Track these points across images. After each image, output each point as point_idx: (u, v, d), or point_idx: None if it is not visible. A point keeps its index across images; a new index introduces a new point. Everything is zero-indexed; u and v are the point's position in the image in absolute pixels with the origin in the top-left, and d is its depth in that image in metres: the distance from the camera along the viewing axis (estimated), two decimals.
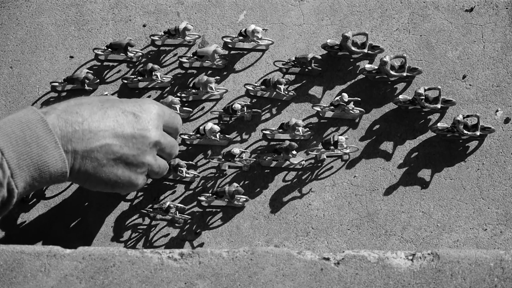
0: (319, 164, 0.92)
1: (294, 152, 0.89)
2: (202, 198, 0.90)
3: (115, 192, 0.69)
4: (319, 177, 0.92)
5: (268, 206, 0.91)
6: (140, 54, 0.96)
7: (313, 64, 0.93)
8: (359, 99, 0.91)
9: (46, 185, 0.63)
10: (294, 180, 0.92)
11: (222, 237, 0.90)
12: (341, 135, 0.91)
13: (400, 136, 0.93)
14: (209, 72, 0.96)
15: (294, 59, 0.93)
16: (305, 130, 0.91)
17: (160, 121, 0.61)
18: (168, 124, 0.64)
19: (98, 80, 0.97)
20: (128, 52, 0.94)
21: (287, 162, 0.92)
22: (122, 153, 0.57)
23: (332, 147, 0.88)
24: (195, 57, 0.94)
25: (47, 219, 0.92)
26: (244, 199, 0.89)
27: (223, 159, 0.91)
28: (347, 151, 0.89)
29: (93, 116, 0.55)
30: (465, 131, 0.88)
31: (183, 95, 0.94)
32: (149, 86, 0.96)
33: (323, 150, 0.89)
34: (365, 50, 0.93)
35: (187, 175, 0.89)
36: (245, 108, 0.91)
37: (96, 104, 0.58)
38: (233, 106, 0.91)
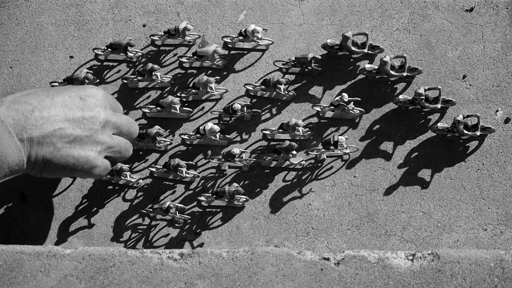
0: (319, 164, 0.92)
1: (294, 152, 0.89)
2: (202, 198, 0.90)
3: (75, 176, 0.69)
4: (319, 177, 0.92)
5: (268, 206, 0.91)
6: (140, 54, 0.96)
7: (313, 64, 0.93)
8: (359, 99, 0.91)
9: (5, 178, 0.62)
10: (294, 180, 0.92)
11: (222, 237, 0.90)
12: (341, 135, 0.91)
13: (400, 136, 0.93)
14: (209, 72, 0.96)
15: (294, 59, 0.93)
16: (305, 130, 0.91)
17: (106, 103, 0.63)
18: (115, 107, 0.66)
19: (98, 80, 0.97)
20: (128, 52, 0.94)
21: (287, 162, 0.92)
22: (76, 135, 0.58)
23: (332, 147, 0.88)
24: (195, 57, 0.94)
25: (47, 219, 0.91)
26: (244, 199, 0.89)
27: (223, 159, 0.91)
28: (347, 151, 0.89)
29: (42, 103, 0.57)
30: (465, 131, 0.88)
31: (183, 95, 0.94)
32: (149, 86, 0.96)
33: (323, 150, 0.89)
34: (365, 50, 0.93)
35: (187, 175, 0.89)
36: (245, 108, 0.91)
37: (42, 92, 0.60)
38: (233, 106, 0.91)
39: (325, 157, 0.91)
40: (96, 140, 0.60)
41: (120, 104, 0.72)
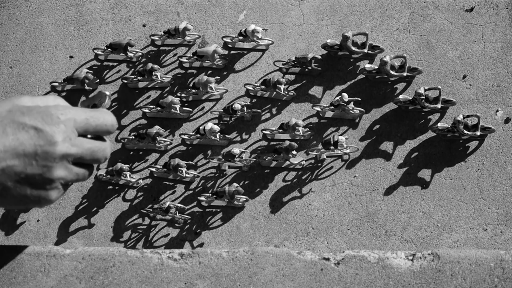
0: (319, 164, 0.92)
1: (294, 152, 0.89)
2: (202, 198, 0.90)
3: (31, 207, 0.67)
4: (319, 177, 0.92)
5: (268, 206, 0.91)
6: (140, 54, 0.96)
7: (313, 64, 0.93)
8: (359, 99, 0.91)
9: None
10: (294, 180, 0.92)
11: (222, 237, 0.90)
12: (341, 135, 0.91)
13: (400, 136, 0.93)
14: (209, 72, 0.96)
15: (294, 59, 0.93)
16: (305, 130, 0.91)
17: (69, 131, 0.55)
18: (86, 129, 0.57)
19: (98, 80, 0.97)
20: (128, 52, 0.94)
21: (287, 162, 0.92)
22: (26, 173, 0.53)
23: (332, 147, 0.88)
24: (195, 57, 0.94)
25: (47, 219, 0.91)
26: (244, 199, 0.89)
27: (223, 159, 0.91)
28: (347, 151, 0.89)
29: None
30: (466, 131, 0.88)
31: (183, 95, 0.94)
32: (149, 86, 0.96)
33: (323, 150, 0.89)
34: (365, 50, 0.93)
35: (187, 175, 0.89)
36: (245, 108, 0.91)
37: None
38: (233, 106, 0.90)
39: (325, 157, 0.91)
40: (49, 178, 0.55)
41: (104, 115, 0.62)
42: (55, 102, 0.55)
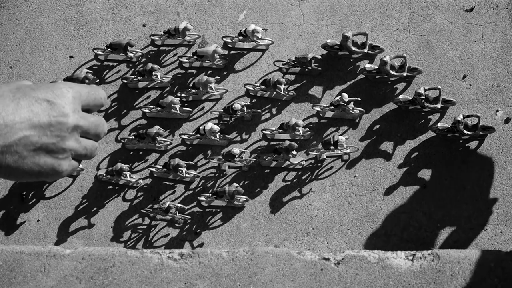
0: (319, 164, 0.92)
1: (294, 152, 0.89)
2: (202, 198, 0.90)
3: (41, 180, 0.68)
4: (319, 177, 0.92)
5: (268, 206, 0.91)
6: (140, 54, 0.96)
7: (313, 64, 0.93)
8: (359, 99, 0.91)
9: None
10: (294, 180, 0.92)
11: (222, 237, 0.90)
12: (341, 135, 0.91)
13: (400, 136, 0.93)
14: (209, 72, 0.96)
15: (294, 59, 0.93)
16: (305, 130, 0.91)
17: (77, 104, 0.59)
18: (88, 103, 0.61)
19: (98, 80, 0.97)
20: (128, 52, 0.94)
21: (287, 162, 0.92)
22: (41, 143, 0.56)
23: (332, 147, 0.88)
24: (195, 57, 0.94)
25: (47, 219, 0.91)
26: (244, 199, 0.89)
27: (223, 159, 0.91)
28: (347, 151, 0.89)
29: (6, 109, 0.55)
30: (466, 131, 0.88)
31: (183, 95, 0.94)
32: (149, 86, 0.96)
33: (323, 150, 0.89)
34: (365, 50, 0.93)
35: (187, 175, 0.89)
36: (245, 108, 0.91)
37: (8, 95, 0.57)
38: (233, 106, 0.90)
39: (325, 157, 0.91)
40: (63, 147, 0.58)
41: (100, 91, 0.66)
42: (55, 82, 0.57)
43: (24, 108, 0.54)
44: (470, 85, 0.94)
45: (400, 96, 0.91)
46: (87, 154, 0.63)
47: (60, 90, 0.57)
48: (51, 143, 0.56)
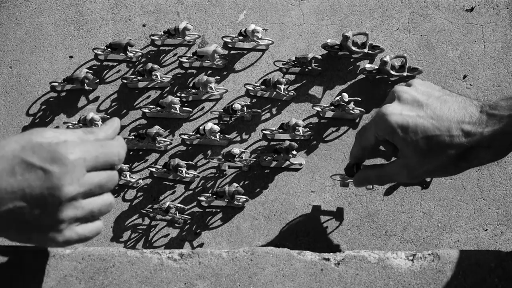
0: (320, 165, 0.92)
1: (294, 152, 0.89)
2: (202, 198, 0.90)
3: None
4: (319, 178, 0.91)
5: (268, 206, 0.91)
6: (140, 54, 0.96)
7: (313, 64, 0.93)
8: (360, 99, 0.91)
9: None
10: (294, 180, 0.92)
11: (222, 237, 0.90)
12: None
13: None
14: (209, 72, 0.96)
15: (294, 59, 0.93)
16: (305, 130, 0.91)
17: (79, 170, 0.53)
18: (95, 166, 0.53)
19: (98, 80, 0.97)
20: (127, 52, 0.94)
21: (287, 162, 0.91)
22: (33, 216, 0.51)
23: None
24: (195, 57, 0.94)
25: None
26: (244, 199, 0.89)
27: (223, 159, 0.91)
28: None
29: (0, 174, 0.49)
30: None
31: (183, 95, 0.94)
32: (149, 86, 0.96)
33: (347, 176, 0.87)
34: (366, 50, 0.93)
35: (187, 175, 0.89)
36: (245, 108, 0.91)
37: (7, 157, 0.51)
38: (233, 106, 0.90)
39: (348, 184, 0.89)
40: (58, 219, 0.53)
41: (115, 147, 0.57)
42: (65, 137, 0.53)
43: (18, 175, 0.49)
44: (470, 85, 0.94)
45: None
46: (95, 215, 0.57)
47: (59, 157, 0.51)
48: (45, 216, 0.51)
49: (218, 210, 0.91)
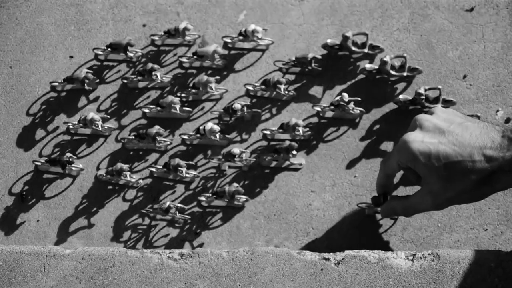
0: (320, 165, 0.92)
1: (294, 152, 0.89)
2: (202, 198, 0.90)
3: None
4: (319, 178, 0.91)
5: (268, 206, 0.91)
6: (140, 54, 0.96)
7: (313, 64, 0.93)
8: (360, 99, 0.91)
9: None
10: (294, 180, 0.92)
11: (222, 237, 0.90)
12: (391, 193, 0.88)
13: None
14: (209, 72, 0.96)
15: (294, 59, 0.93)
16: (305, 130, 0.91)
17: None
18: None
19: (98, 80, 0.97)
20: (127, 52, 0.94)
21: (287, 162, 0.91)
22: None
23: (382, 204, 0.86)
24: (195, 57, 0.94)
25: (47, 219, 0.91)
26: (244, 199, 0.89)
27: (223, 159, 0.91)
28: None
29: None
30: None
31: (183, 95, 0.94)
32: (149, 86, 0.96)
33: (372, 206, 0.86)
34: (365, 50, 0.93)
35: (187, 175, 0.89)
36: (245, 108, 0.91)
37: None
38: (233, 106, 0.90)
39: (373, 213, 0.88)
40: None
41: None
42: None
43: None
44: (470, 85, 0.94)
45: (400, 96, 0.91)
46: None
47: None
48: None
49: (218, 210, 0.91)
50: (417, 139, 0.65)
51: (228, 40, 0.96)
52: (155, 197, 0.92)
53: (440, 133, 0.65)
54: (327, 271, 0.73)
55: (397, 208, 0.73)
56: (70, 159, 0.90)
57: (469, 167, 0.60)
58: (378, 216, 0.88)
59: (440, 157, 0.63)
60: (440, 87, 0.89)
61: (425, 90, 0.89)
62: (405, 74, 0.92)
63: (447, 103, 0.91)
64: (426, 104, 0.89)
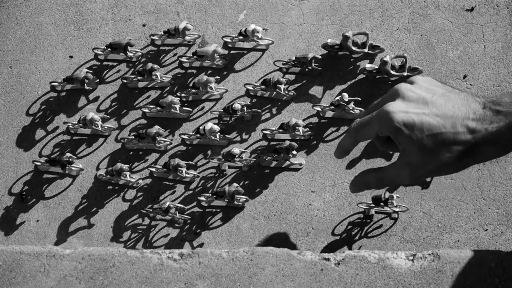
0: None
1: (294, 152, 0.89)
2: (202, 198, 0.90)
3: None
4: (319, 178, 0.91)
5: (268, 206, 0.91)
6: (140, 53, 0.96)
7: (313, 64, 0.93)
8: (360, 99, 0.91)
9: None
10: (294, 180, 0.91)
11: (222, 237, 0.90)
12: (391, 193, 0.88)
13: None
14: (209, 72, 0.96)
15: (294, 59, 0.93)
16: (305, 130, 0.91)
17: None
18: None
19: (98, 80, 0.97)
20: (127, 52, 0.94)
21: (287, 162, 0.91)
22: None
23: (382, 204, 0.86)
24: (195, 56, 0.94)
25: (47, 219, 0.91)
26: (244, 199, 0.89)
27: (223, 159, 0.91)
28: (397, 209, 0.88)
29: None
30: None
31: (183, 95, 0.94)
32: (149, 86, 0.96)
33: (373, 205, 0.87)
34: (366, 50, 0.93)
35: (187, 175, 0.89)
36: (245, 108, 0.91)
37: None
38: (233, 106, 0.90)
39: (373, 212, 0.89)
40: None
41: None
42: None
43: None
44: (470, 84, 0.94)
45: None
46: None
47: None
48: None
49: (218, 210, 0.91)
50: (401, 109, 0.64)
51: (228, 40, 0.96)
52: (155, 197, 0.92)
53: (424, 103, 0.64)
54: (327, 271, 0.73)
55: (370, 180, 0.71)
56: (70, 159, 0.90)
57: (452, 139, 0.60)
58: (378, 216, 0.88)
59: (424, 129, 0.62)
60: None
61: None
62: (405, 74, 0.91)
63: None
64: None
